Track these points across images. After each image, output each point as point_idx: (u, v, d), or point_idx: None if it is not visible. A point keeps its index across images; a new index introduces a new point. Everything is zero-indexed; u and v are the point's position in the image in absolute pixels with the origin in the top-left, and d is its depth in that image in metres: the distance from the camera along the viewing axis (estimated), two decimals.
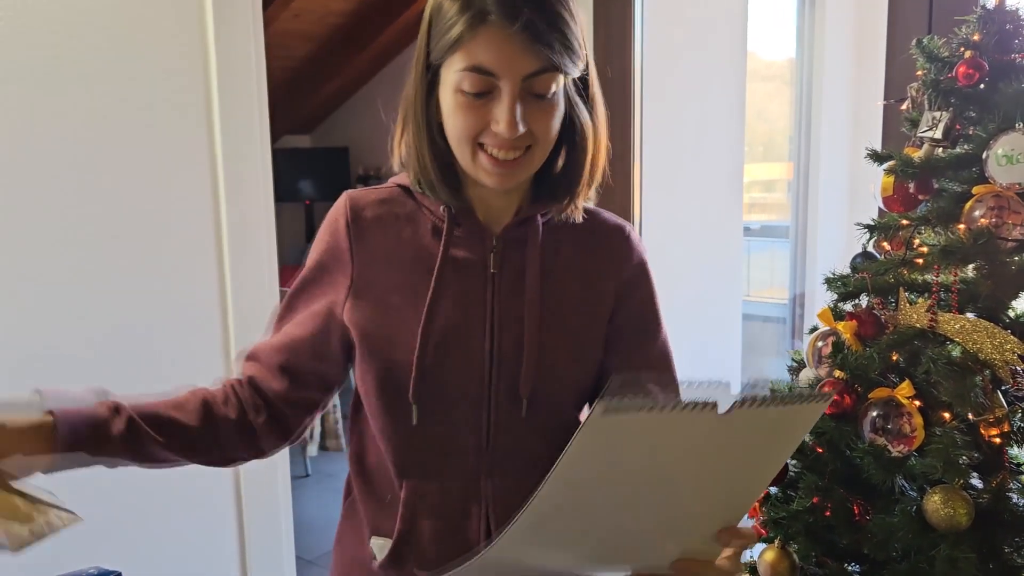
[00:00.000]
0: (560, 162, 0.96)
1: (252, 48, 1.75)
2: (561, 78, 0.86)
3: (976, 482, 1.40)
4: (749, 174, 4.17)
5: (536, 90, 0.85)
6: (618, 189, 2.47)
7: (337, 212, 0.99)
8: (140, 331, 1.62)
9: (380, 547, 0.95)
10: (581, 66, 0.88)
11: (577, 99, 0.92)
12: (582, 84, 0.92)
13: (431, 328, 0.92)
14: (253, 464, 1.05)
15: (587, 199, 1.00)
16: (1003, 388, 1.39)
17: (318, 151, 5.90)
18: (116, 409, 0.87)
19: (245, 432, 0.97)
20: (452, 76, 0.86)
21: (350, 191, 1.01)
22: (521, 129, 0.85)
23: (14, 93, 1.43)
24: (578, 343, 0.97)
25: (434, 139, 0.92)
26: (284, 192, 5.27)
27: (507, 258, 0.95)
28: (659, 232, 3.11)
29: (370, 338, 0.94)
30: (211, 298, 1.72)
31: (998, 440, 1.36)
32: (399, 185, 1.00)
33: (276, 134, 5.45)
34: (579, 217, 0.98)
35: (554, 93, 0.87)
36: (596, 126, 0.95)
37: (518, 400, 0.92)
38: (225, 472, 1.74)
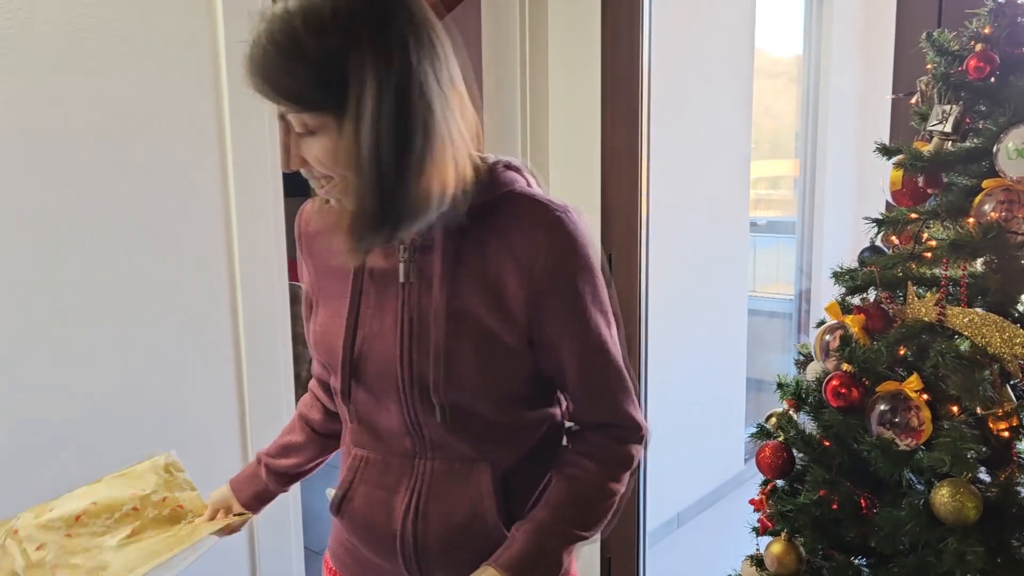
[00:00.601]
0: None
1: None
2: (312, 117, 0.83)
3: (984, 476, 1.40)
4: (755, 170, 4.16)
5: (295, 127, 0.85)
6: (625, 185, 2.47)
7: (295, 226, 1.09)
8: (150, 324, 1.63)
9: (330, 495, 1.08)
10: (345, 105, 0.81)
11: (377, 130, 0.82)
12: (377, 115, 0.81)
13: (353, 337, 0.98)
14: None
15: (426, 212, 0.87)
16: (1012, 382, 1.39)
17: None
18: (259, 461, 1.20)
19: (335, 418, 1.17)
20: None
21: (307, 202, 1.07)
22: (295, 163, 0.87)
23: (24, 89, 1.44)
24: (488, 351, 0.92)
25: None
26: (294, 186, 5.28)
27: (416, 266, 0.94)
28: (666, 228, 3.11)
29: (315, 344, 1.04)
30: (221, 290, 1.73)
31: (1007, 434, 1.36)
32: None
33: None
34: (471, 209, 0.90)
35: (313, 128, 0.83)
36: (413, 148, 0.83)
37: (433, 407, 0.94)
38: (232, 466, 1.75)
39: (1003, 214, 1.35)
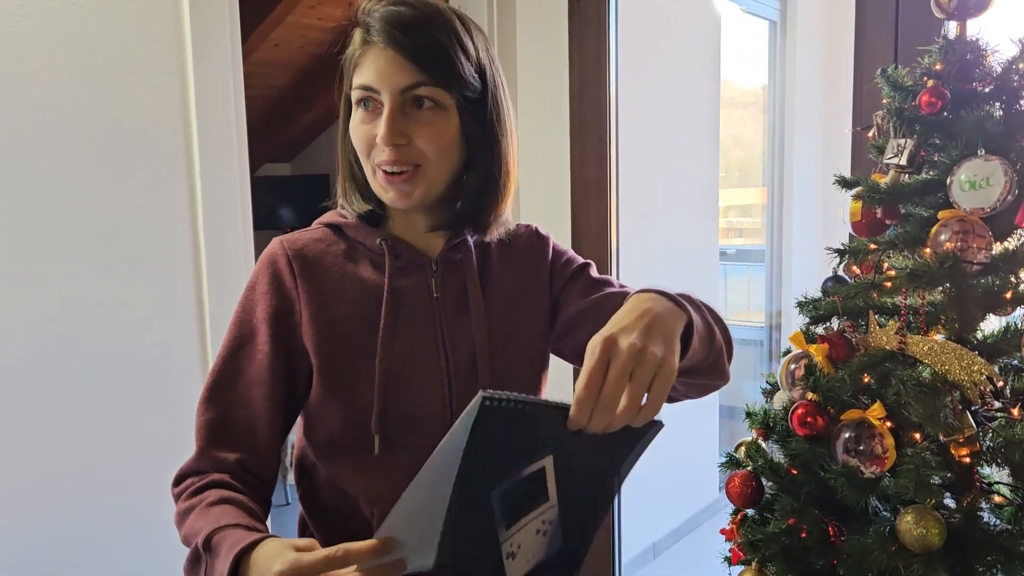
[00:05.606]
0: (471, 185, 1.01)
1: (231, 83, 1.76)
2: (442, 94, 0.92)
3: (949, 501, 1.41)
4: (727, 199, 4.22)
5: (414, 101, 0.93)
6: (595, 215, 2.50)
7: (275, 254, 1.01)
8: (119, 359, 1.61)
9: None
10: (470, 89, 0.94)
11: (476, 125, 0.97)
12: (481, 110, 0.97)
13: (388, 357, 0.96)
14: None
15: (502, 219, 1.06)
16: (972, 408, 1.41)
17: (298, 179, 5.91)
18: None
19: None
20: (353, 96, 0.96)
21: (281, 236, 1.03)
22: (400, 139, 0.92)
23: None
24: (529, 341, 1.06)
25: (361, 165, 0.99)
26: (265, 219, 5.27)
27: (447, 281, 1.02)
28: (637, 257, 3.14)
29: (327, 371, 0.97)
30: (190, 328, 1.72)
31: (968, 460, 1.38)
32: (327, 225, 1.04)
33: (257, 163, 5.44)
34: (501, 234, 1.07)
35: (433, 106, 0.93)
36: (500, 150, 1.00)
37: None
38: None
39: (958, 244, 1.38)
